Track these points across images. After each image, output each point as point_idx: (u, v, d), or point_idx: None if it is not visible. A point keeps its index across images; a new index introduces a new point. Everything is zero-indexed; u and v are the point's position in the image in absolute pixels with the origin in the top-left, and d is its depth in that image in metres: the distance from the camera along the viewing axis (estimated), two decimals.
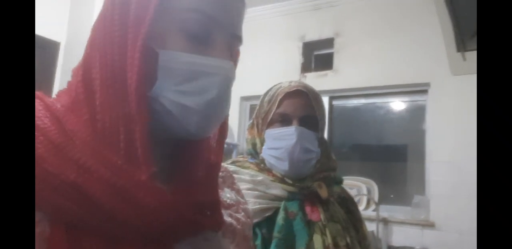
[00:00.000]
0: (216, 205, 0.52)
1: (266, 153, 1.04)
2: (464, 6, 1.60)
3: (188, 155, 0.52)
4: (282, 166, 1.01)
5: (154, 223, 0.43)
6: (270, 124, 1.04)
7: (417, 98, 3.00)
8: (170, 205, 0.44)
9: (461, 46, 1.98)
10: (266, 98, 1.07)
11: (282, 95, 1.04)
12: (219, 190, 0.57)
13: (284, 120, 1.03)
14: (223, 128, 0.56)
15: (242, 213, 0.62)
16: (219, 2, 0.50)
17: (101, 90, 0.44)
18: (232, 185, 0.67)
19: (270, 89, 1.09)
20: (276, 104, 1.03)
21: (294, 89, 1.04)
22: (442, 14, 1.71)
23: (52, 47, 2.97)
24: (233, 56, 0.54)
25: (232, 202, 0.62)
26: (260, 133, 1.06)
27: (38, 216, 0.40)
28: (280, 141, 1.01)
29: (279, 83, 1.09)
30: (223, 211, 0.55)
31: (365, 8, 3.15)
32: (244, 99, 3.62)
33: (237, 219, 0.60)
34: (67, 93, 0.48)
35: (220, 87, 0.48)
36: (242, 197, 0.68)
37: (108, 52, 0.45)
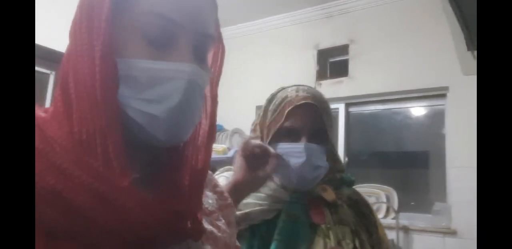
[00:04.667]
0: (197, 214, 0.50)
1: None
2: (469, 4, 1.58)
3: (171, 161, 0.51)
4: (290, 183, 0.97)
5: (135, 229, 0.42)
6: (277, 136, 0.98)
7: (436, 102, 2.94)
8: (152, 211, 0.43)
9: (471, 45, 1.94)
10: (271, 107, 1.01)
11: (289, 108, 0.97)
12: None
13: (292, 134, 0.97)
14: (211, 132, 0.54)
15: (223, 221, 0.61)
16: (179, 4, 0.48)
17: (77, 103, 0.44)
18: (214, 188, 0.65)
19: (274, 97, 1.04)
20: (284, 117, 0.97)
21: (303, 101, 0.98)
22: (450, 15, 1.69)
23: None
24: (204, 57, 0.52)
25: (213, 209, 0.61)
26: (264, 142, 1.00)
27: None
28: (288, 157, 0.95)
29: (284, 90, 1.04)
30: (204, 218, 0.54)
31: (378, 14, 3.14)
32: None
33: (218, 227, 0.59)
34: (52, 102, 0.48)
35: (183, 92, 0.46)
36: (226, 199, 0.66)
37: (79, 64, 0.45)
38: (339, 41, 3.31)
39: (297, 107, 0.97)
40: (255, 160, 0.91)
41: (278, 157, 0.93)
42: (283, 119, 0.97)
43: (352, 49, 3.23)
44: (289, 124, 0.97)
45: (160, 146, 0.49)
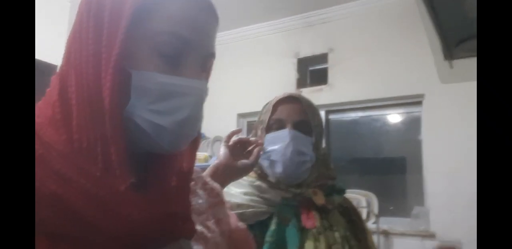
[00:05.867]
0: (188, 214, 0.52)
1: (262, 157, 1.05)
2: (448, 16, 1.65)
3: (161, 165, 0.53)
4: (276, 169, 1.02)
5: (132, 231, 0.44)
6: (267, 130, 1.07)
7: (412, 109, 3.04)
8: (148, 213, 0.45)
9: (448, 55, 2.03)
10: (263, 110, 1.12)
11: (276, 101, 1.08)
12: (191, 195, 0.57)
13: (279, 125, 1.06)
14: (196, 138, 0.56)
15: (212, 220, 0.63)
16: (192, 24, 0.50)
17: (77, 110, 0.45)
18: (204, 186, 0.67)
19: (267, 103, 1.13)
20: (271, 111, 1.07)
21: (287, 95, 1.08)
22: (428, 25, 1.77)
23: (49, 70, 3.01)
24: (206, 70, 0.55)
25: (203, 209, 0.62)
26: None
27: None
28: (274, 144, 1.03)
29: (275, 97, 1.13)
30: (195, 218, 0.55)
31: (357, 23, 3.22)
32: (241, 116, 3.65)
33: (208, 227, 0.61)
34: (46, 104, 0.48)
35: (192, 107, 0.49)
36: (216, 195, 0.68)
37: (83, 71, 0.46)
38: (318, 50, 3.38)
39: (282, 100, 1.08)
40: (238, 151, 1.02)
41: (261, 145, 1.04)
42: (270, 113, 1.07)
43: (331, 58, 3.30)
44: (276, 116, 1.07)
45: (160, 153, 0.51)
